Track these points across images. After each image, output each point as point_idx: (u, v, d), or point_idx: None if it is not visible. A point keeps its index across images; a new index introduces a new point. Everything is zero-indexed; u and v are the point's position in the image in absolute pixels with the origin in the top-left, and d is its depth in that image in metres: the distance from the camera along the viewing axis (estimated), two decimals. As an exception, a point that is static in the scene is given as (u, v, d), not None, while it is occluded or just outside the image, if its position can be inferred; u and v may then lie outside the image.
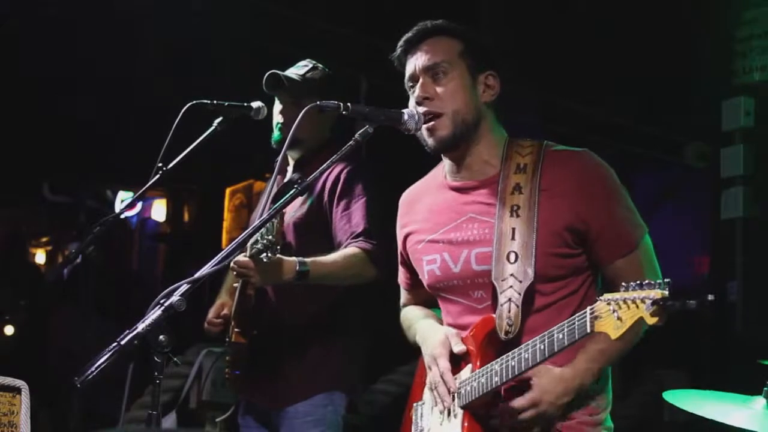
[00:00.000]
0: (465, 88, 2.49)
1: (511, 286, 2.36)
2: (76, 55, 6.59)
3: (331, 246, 3.34)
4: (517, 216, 2.40)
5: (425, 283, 2.61)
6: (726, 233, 6.17)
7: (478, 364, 2.39)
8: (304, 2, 6.39)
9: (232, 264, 3.11)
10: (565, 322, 2.16)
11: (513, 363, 2.28)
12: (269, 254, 2.98)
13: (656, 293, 1.98)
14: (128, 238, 11.27)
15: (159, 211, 10.85)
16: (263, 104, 3.34)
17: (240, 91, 3.57)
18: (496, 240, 2.41)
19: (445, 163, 2.60)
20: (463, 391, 2.40)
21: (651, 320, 1.98)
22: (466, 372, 2.43)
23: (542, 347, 2.20)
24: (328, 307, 3.39)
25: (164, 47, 6.46)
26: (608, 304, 2.04)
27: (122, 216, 3.41)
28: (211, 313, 3.57)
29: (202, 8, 5.98)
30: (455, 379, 2.44)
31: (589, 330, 2.08)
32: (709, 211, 6.59)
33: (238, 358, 3.48)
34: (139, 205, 9.71)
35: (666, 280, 2.01)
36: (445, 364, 2.45)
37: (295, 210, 3.40)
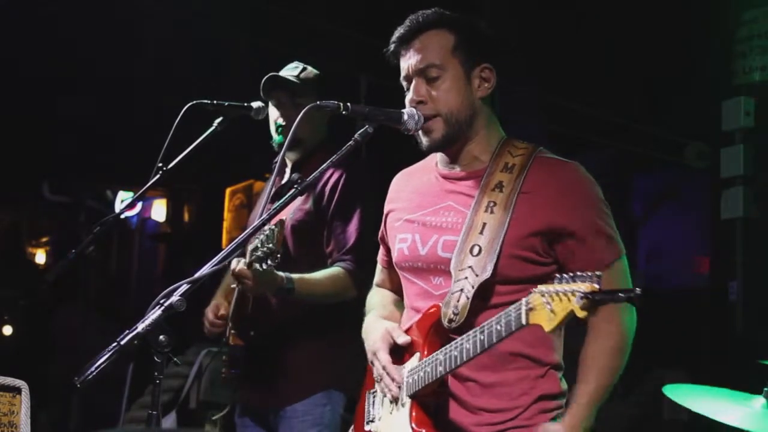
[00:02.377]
0: (459, 87, 2.48)
1: (466, 278, 2.36)
2: (76, 55, 6.59)
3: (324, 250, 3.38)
4: (491, 212, 2.39)
5: (394, 261, 2.63)
6: (726, 233, 6.17)
7: (425, 353, 2.40)
8: (304, 2, 6.39)
9: (231, 269, 3.13)
10: (503, 313, 2.15)
11: (455, 353, 2.28)
12: (269, 262, 2.98)
13: (586, 286, 1.96)
14: (128, 238, 11.28)
15: (159, 211, 10.86)
16: (263, 104, 3.34)
17: (240, 91, 3.57)
18: (464, 231, 2.41)
19: (438, 153, 2.61)
20: (410, 380, 2.41)
21: (581, 314, 1.97)
22: (414, 361, 2.44)
23: (482, 338, 2.20)
24: (325, 306, 3.39)
25: (164, 47, 6.46)
26: (542, 296, 2.03)
27: (122, 216, 3.41)
28: (210, 315, 3.57)
29: (202, 8, 5.98)
30: (402, 368, 2.45)
31: (524, 322, 2.07)
32: (709, 211, 6.60)
33: (235, 359, 3.48)
34: (139, 205, 9.71)
35: (597, 273, 1.99)
36: (384, 357, 2.47)
37: (293, 212, 3.41)
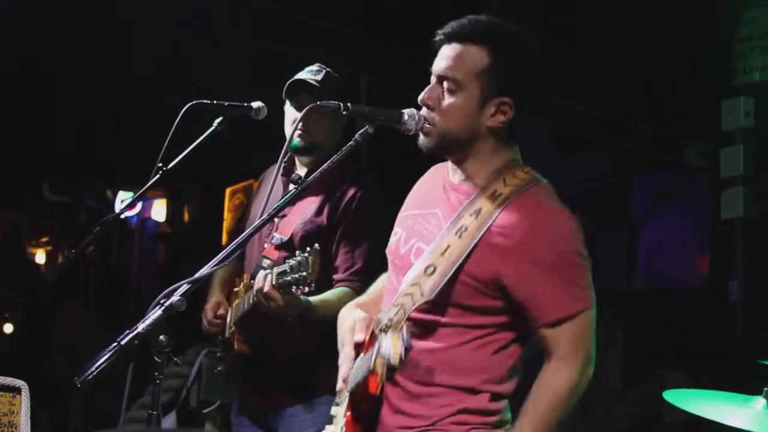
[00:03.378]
0: (468, 110, 2.42)
1: (411, 294, 2.36)
2: (76, 55, 6.59)
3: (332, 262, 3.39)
4: (459, 237, 2.36)
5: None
6: (726, 233, 6.17)
7: (366, 351, 2.45)
8: (304, 2, 6.38)
9: (255, 291, 3.14)
10: None
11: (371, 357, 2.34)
12: (301, 290, 2.99)
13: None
14: (128, 238, 11.28)
15: (159, 211, 10.86)
16: (263, 104, 3.33)
17: (240, 91, 3.57)
18: (431, 248, 2.40)
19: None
20: (351, 377, 2.46)
21: None
22: (358, 358, 2.48)
23: None
24: None
25: (164, 47, 6.46)
26: None
27: (122, 216, 3.41)
28: (209, 313, 3.57)
29: (202, 8, 5.98)
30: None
31: None
32: (709, 211, 6.60)
33: (239, 365, 3.50)
34: (139, 205, 9.71)
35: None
36: (348, 352, 2.52)
37: (303, 223, 3.42)
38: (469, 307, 2.39)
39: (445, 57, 2.45)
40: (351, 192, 3.41)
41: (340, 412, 2.56)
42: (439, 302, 2.37)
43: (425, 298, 2.35)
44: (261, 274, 3.15)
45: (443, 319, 2.40)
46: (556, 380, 2.35)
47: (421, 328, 2.40)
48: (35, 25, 6.31)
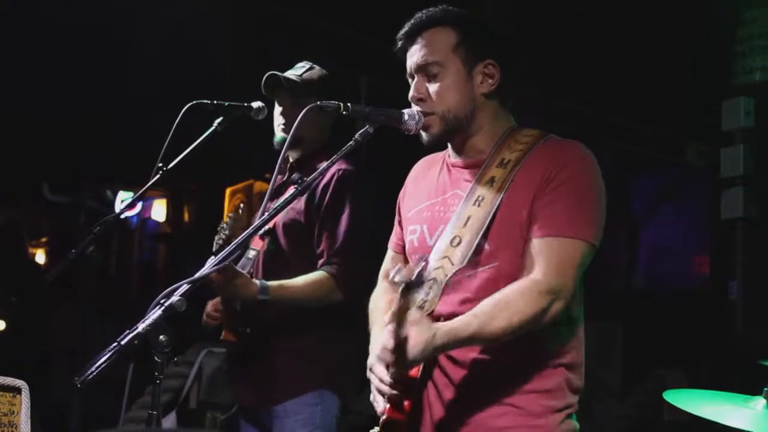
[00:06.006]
0: (458, 85, 2.47)
1: (442, 267, 2.37)
2: (76, 55, 6.59)
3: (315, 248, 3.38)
4: (478, 206, 2.39)
5: (406, 250, 2.63)
6: (726, 233, 6.17)
7: None
8: (304, 2, 6.39)
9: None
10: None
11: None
12: (235, 253, 2.99)
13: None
14: (128, 238, 11.28)
15: (159, 211, 10.87)
16: (263, 104, 3.33)
17: (240, 91, 3.57)
18: (451, 222, 2.42)
19: (448, 144, 2.61)
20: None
21: None
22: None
23: None
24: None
25: (164, 47, 6.46)
26: None
27: (122, 216, 3.40)
28: (210, 306, 3.58)
29: (202, 8, 5.98)
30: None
31: None
32: (709, 211, 6.61)
33: (229, 355, 3.49)
34: (139, 205, 9.70)
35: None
36: (380, 370, 2.35)
37: (286, 211, 3.35)
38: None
39: (415, 51, 2.50)
40: (327, 176, 3.37)
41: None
42: (468, 269, 2.36)
43: (456, 267, 2.34)
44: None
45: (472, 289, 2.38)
46: (523, 296, 2.24)
47: (450, 300, 2.37)
48: (35, 24, 6.31)
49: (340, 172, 3.38)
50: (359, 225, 3.34)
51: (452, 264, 2.36)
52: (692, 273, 7.75)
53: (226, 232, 3.00)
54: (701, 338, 6.45)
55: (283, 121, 3.47)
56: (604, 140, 7.40)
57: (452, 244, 2.38)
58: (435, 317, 2.34)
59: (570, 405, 2.42)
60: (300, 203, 3.40)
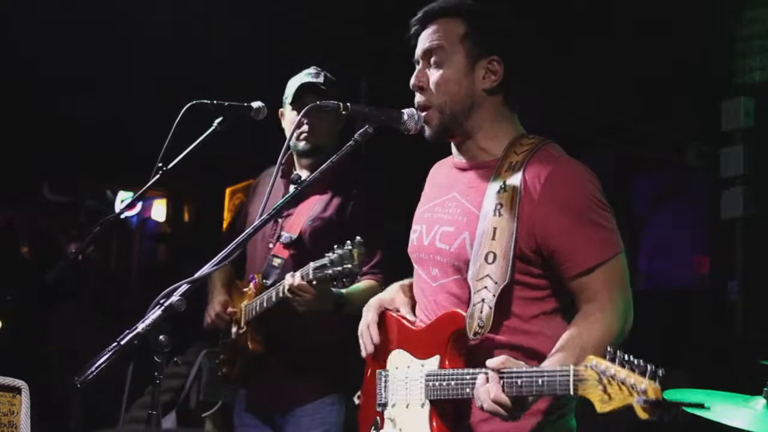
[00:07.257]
0: (458, 76, 2.46)
1: (485, 287, 2.33)
2: (76, 55, 6.58)
3: None
4: (500, 215, 2.36)
5: (408, 249, 2.65)
6: (726, 233, 6.18)
7: (447, 363, 2.37)
8: (304, 2, 6.39)
9: (286, 287, 3.16)
10: (546, 371, 2.09)
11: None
12: (345, 282, 3.03)
13: (651, 389, 1.94)
14: (128, 238, 11.27)
15: (159, 211, 10.86)
16: (263, 104, 3.34)
17: (240, 91, 3.57)
18: (477, 240, 2.38)
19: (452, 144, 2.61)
20: (431, 385, 2.37)
21: (642, 415, 1.96)
22: (432, 363, 2.40)
23: (519, 383, 2.13)
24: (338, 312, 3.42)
25: (164, 47, 6.46)
26: (596, 373, 1.97)
27: (122, 216, 3.41)
28: (218, 307, 3.59)
29: (202, 8, 5.98)
30: (422, 365, 2.42)
31: (571, 392, 2.03)
32: (709, 211, 6.61)
33: (250, 364, 3.52)
34: (139, 205, 9.71)
35: (658, 370, 1.97)
36: (372, 317, 2.58)
37: (311, 220, 3.49)
38: (534, 285, 2.39)
39: (425, 36, 2.51)
40: (358, 191, 3.51)
41: (397, 401, 2.49)
42: (513, 283, 2.35)
43: (504, 283, 2.32)
44: (292, 273, 3.18)
45: (521, 303, 2.39)
46: (595, 326, 2.28)
47: (502, 319, 2.36)
48: (35, 24, 6.31)
49: (371, 188, 3.55)
50: (387, 237, 3.50)
51: (495, 282, 2.32)
52: (692, 273, 7.75)
53: (347, 264, 2.97)
54: (701, 338, 6.45)
55: (308, 129, 3.50)
56: (604, 140, 7.40)
57: (488, 260, 2.35)
58: (488, 339, 2.33)
59: (562, 406, 2.42)
60: (328, 213, 3.48)
